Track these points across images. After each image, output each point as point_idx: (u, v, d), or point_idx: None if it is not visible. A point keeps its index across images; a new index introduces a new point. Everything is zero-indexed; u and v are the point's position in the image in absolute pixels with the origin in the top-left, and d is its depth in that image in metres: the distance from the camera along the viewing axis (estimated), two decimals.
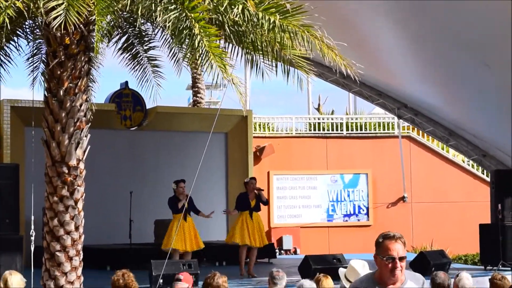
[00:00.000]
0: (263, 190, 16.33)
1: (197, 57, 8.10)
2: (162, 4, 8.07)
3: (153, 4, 8.19)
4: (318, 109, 34.28)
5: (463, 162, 24.52)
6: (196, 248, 15.16)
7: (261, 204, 15.81)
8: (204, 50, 7.97)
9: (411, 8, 13.79)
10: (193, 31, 7.95)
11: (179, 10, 8.03)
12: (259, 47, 9.01)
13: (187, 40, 8.10)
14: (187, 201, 15.12)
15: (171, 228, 15.20)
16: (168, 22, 8.08)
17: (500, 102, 16.56)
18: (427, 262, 15.18)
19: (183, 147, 21.36)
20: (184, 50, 8.36)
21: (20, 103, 19.02)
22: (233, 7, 8.37)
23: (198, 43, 7.98)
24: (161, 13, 8.15)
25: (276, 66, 9.15)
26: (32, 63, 10.20)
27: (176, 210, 15.04)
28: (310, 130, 24.94)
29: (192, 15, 7.99)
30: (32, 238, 8.85)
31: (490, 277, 9.93)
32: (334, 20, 10.99)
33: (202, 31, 7.99)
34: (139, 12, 8.20)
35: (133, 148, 21.17)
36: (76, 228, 8.45)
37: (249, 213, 15.49)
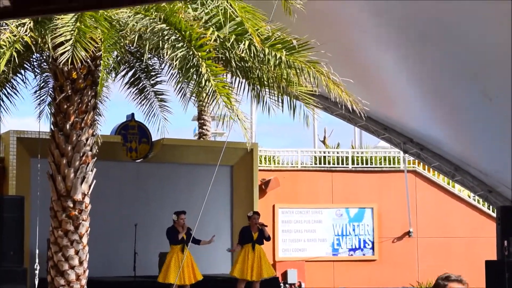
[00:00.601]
0: (266, 226, 16.31)
1: (204, 96, 8.13)
2: (170, 41, 8.11)
3: (160, 41, 8.22)
4: (323, 142, 34.25)
5: (469, 197, 24.44)
6: (194, 281, 15.10)
7: (264, 240, 15.86)
8: (211, 89, 8.00)
9: (415, 41, 13.83)
10: (200, 70, 7.99)
11: (186, 48, 8.08)
12: (265, 82, 9.05)
13: (194, 77, 8.14)
14: (186, 233, 15.11)
15: (169, 260, 15.16)
16: (176, 60, 8.12)
17: (504, 135, 16.54)
18: None
19: (189, 179, 21.35)
20: (192, 87, 8.40)
21: (26, 134, 19.05)
22: (239, 43, 8.40)
23: (205, 82, 8.01)
24: (169, 50, 8.20)
25: (282, 102, 9.17)
26: (39, 96, 10.24)
27: (175, 241, 15.03)
28: (315, 163, 24.91)
29: (199, 53, 8.03)
30: (37, 272, 8.82)
31: None
32: (339, 56, 11.02)
33: (209, 70, 8.03)
34: (147, 48, 8.24)
35: (139, 180, 21.16)
36: (81, 263, 8.44)
37: (252, 246, 15.46)
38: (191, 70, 8.14)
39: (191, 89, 8.34)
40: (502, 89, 14.35)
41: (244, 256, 15.46)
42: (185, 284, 14.91)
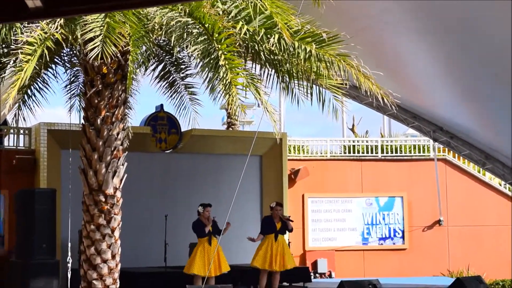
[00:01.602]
0: (292, 221, 16.32)
1: (221, 87, 8.17)
2: (192, 35, 8.14)
3: (184, 33, 8.26)
4: (352, 130, 34.16)
5: (500, 185, 24.30)
6: (219, 273, 15.08)
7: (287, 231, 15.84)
8: (227, 81, 8.04)
9: (444, 29, 13.74)
10: (219, 62, 8.03)
11: (208, 41, 8.12)
12: (294, 75, 9.05)
13: (212, 71, 8.19)
14: (212, 225, 15.13)
15: (195, 252, 15.20)
16: (197, 52, 8.18)
17: None
18: None
19: (218, 169, 21.40)
20: (210, 79, 8.43)
21: (57, 126, 19.17)
22: (269, 36, 8.40)
23: (223, 74, 8.05)
24: (191, 43, 8.25)
25: (312, 94, 9.16)
26: (69, 90, 10.30)
27: (202, 234, 15.06)
28: (344, 152, 24.84)
29: (220, 46, 8.06)
30: (69, 264, 8.89)
31: None
32: (369, 47, 10.98)
33: (227, 62, 8.06)
34: (173, 39, 8.27)
35: (168, 171, 21.24)
36: (113, 257, 8.49)
37: (275, 236, 15.43)
38: (211, 62, 8.17)
39: (213, 80, 8.34)
40: None
41: (267, 247, 15.42)
42: (210, 275, 14.92)
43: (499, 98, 15.95)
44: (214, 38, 8.14)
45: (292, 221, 16.23)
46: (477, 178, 24.32)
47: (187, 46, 8.76)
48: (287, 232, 16.03)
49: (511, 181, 20.52)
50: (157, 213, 19.25)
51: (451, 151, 22.88)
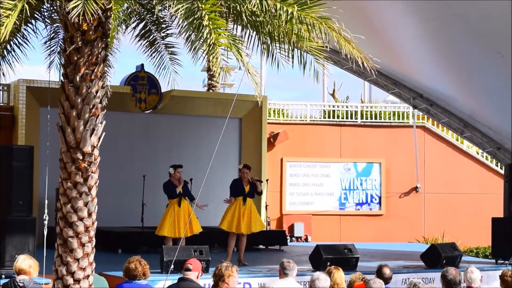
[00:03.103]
0: (261, 182, 16.26)
1: (205, 48, 8.09)
2: None
3: None
4: (333, 95, 34.22)
5: (477, 153, 24.46)
6: (190, 234, 14.99)
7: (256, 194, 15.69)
8: (211, 42, 7.96)
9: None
10: (203, 23, 7.96)
11: (191, 1, 8.04)
12: (276, 37, 8.99)
13: (196, 31, 8.12)
14: (183, 187, 15.07)
15: (165, 214, 15.12)
16: (180, 12, 8.10)
17: None
18: (438, 255, 15.15)
19: (197, 131, 21.39)
20: (193, 39, 8.35)
21: (36, 83, 19.07)
22: None
23: (207, 35, 7.98)
24: (173, 2, 8.18)
25: (293, 57, 9.11)
26: (49, 47, 10.20)
27: (173, 195, 15.01)
28: (324, 117, 24.90)
29: (203, 6, 7.99)
30: (45, 222, 8.87)
31: (500, 273, 9.97)
32: (351, 12, 10.94)
33: (211, 23, 7.99)
34: None
35: (147, 131, 21.21)
36: (89, 215, 8.45)
37: (243, 199, 15.37)
38: (195, 22, 8.09)
39: (196, 41, 8.26)
40: None
41: (234, 209, 15.31)
42: (180, 236, 14.81)
43: (484, 66, 16.00)
44: None
45: (261, 181, 16.17)
46: (455, 146, 24.47)
47: (169, 6, 8.67)
48: (257, 194, 15.82)
49: (489, 150, 20.62)
50: (136, 173, 19.25)
51: (430, 119, 22.98)
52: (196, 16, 8.15)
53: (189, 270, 9.03)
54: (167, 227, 14.85)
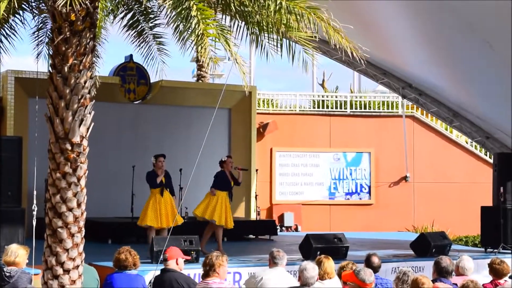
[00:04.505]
0: (246, 170, 16.11)
1: (193, 38, 8.08)
2: None
3: None
4: (322, 85, 34.22)
5: (467, 143, 24.52)
6: (172, 224, 14.84)
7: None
8: (200, 33, 7.96)
9: None
10: (191, 13, 7.95)
11: None
12: (264, 27, 8.98)
13: (184, 22, 8.11)
14: (165, 176, 14.99)
15: (147, 204, 15.01)
16: (168, 2, 8.09)
17: (502, 82, 16.55)
18: (427, 244, 15.21)
19: (187, 121, 21.37)
20: (182, 30, 8.34)
21: (24, 74, 19.01)
22: None
23: (195, 25, 7.97)
24: None
25: (281, 47, 9.12)
26: (37, 37, 10.18)
27: (155, 185, 14.94)
28: (314, 107, 24.91)
29: None
30: (34, 212, 8.86)
31: (489, 261, 10.01)
32: (340, 2, 10.94)
33: (199, 13, 7.98)
34: None
35: (137, 121, 21.19)
36: (79, 205, 8.45)
37: (229, 194, 15.32)
38: (183, 12, 8.08)
39: (185, 32, 8.25)
40: (502, 36, 14.31)
41: (222, 202, 15.17)
42: (162, 227, 14.75)
43: (473, 55, 16.02)
44: None
45: (246, 170, 16.09)
46: (444, 135, 24.53)
47: None
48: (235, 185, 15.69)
49: (478, 139, 20.69)
50: (125, 164, 19.23)
51: (419, 108, 23.02)
52: (184, 7, 8.14)
53: (166, 260, 9.08)
54: (149, 217, 14.75)
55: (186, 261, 9.59)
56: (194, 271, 12.09)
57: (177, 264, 9.05)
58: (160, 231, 14.79)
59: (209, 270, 8.34)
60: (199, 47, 8.14)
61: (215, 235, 15.52)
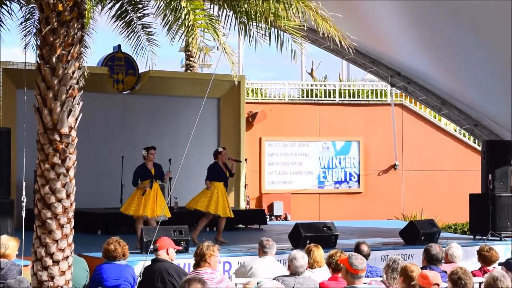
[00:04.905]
0: (240, 161, 16.16)
1: (184, 29, 8.07)
2: None
3: None
4: (311, 74, 34.23)
5: (455, 131, 24.58)
6: (159, 215, 14.73)
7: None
8: (190, 23, 7.94)
9: None
10: (181, 3, 7.93)
11: None
12: (253, 16, 8.97)
13: (174, 13, 8.09)
14: (156, 169, 14.88)
15: (134, 193, 14.85)
16: None
17: (491, 70, 16.58)
18: (416, 231, 15.25)
19: (176, 111, 21.34)
20: (172, 21, 8.32)
21: (12, 65, 18.94)
22: None
23: (185, 16, 7.95)
24: None
25: (270, 36, 9.11)
26: (25, 28, 10.14)
27: (135, 182, 14.79)
28: (302, 96, 24.93)
29: None
30: (23, 204, 8.83)
31: (478, 248, 10.07)
32: None
33: (189, 3, 7.96)
34: None
35: (126, 112, 21.15)
36: (68, 196, 8.41)
37: (224, 184, 15.34)
38: (172, 3, 8.06)
39: (175, 23, 8.23)
40: (491, 23, 14.33)
41: (217, 192, 15.20)
42: (146, 215, 14.57)
43: (461, 42, 16.04)
44: None
45: (240, 161, 16.13)
46: (433, 123, 24.58)
47: None
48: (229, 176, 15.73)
49: (466, 127, 20.74)
50: (114, 154, 19.21)
51: (408, 97, 23.06)
52: None
53: (156, 250, 9.09)
54: (133, 207, 14.59)
55: (177, 251, 9.58)
56: (184, 261, 12.09)
57: (167, 254, 9.06)
58: (148, 222, 14.66)
59: (200, 260, 8.36)
60: (190, 38, 8.13)
61: (216, 224, 15.66)
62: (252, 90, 24.31)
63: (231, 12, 9.22)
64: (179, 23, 8.16)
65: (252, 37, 9.26)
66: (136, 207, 14.55)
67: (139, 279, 9.39)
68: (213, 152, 15.79)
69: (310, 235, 14.15)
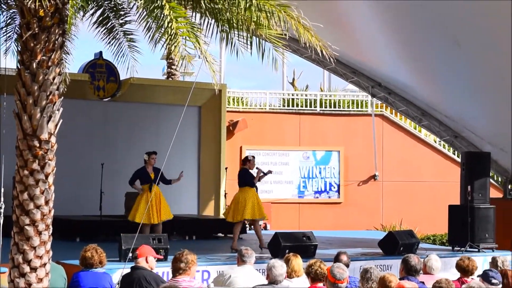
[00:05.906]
0: (269, 173, 16.41)
1: (166, 38, 8.06)
2: None
3: None
4: (292, 84, 34.25)
5: (435, 142, 24.68)
6: (164, 219, 15.07)
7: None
8: (173, 32, 7.94)
9: None
10: (164, 12, 7.92)
11: None
12: (234, 24, 8.97)
13: (156, 21, 8.08)
14: (155, 173, 15.03)
15: (139, 200, 15.13)
16: (140, 0, 8.05)
17: (470, 82, 16.67)
18: (395, 242, 15.26)
19: (156, 119, 21.31)
20: (154, 29, 8.31)
21: None
22: None
23: (168, 24, 7.95)
24: None
25: (251, 45, 9.11)
26: (5, 33, 10.09)
27: (131, 182, 15.10)
28: (283, 105, 24.96)
29: None
30: (1, 210, 8.76)
31: (457, 259, 10.10)
32: (309, 0, 10.97)
33: (172, 12, 7.95)
34: None
35: (106, 119, 21.09)
36: (46, 202, 8.37)
37: (256, 189, 15.67)
38: (155, 11, 8.05)
39: (157, 31, 8.23)
40: (470, 35, 14.41)
41: (253, 197, 15.54)
42: (153, 223, 14.86)
43: (441, 54, 16.11)
44: None
45: (271, 172, 16.48)
46: (413, 134, 24.68)
47: None
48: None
49: (446, 138, 20.82)
50: (94, 161, 19.11)
51: (389, 107, 23.14)
52: (156, 5, 8.11)
53: (136, 257, 9.06)
54: (140, 214, 14.79)
55: (157, 260, 9.55)
56: (163, 269, 12.04)
57: (147, 262, 9.02)
58: (154, 226, 14.94)
59: (178, 268, 8.32)
60: (172, 46, 8.12)
61: (254, 230, 16.13)
62: (233, 99, 24.32)
63: (213, 20, 9.22)
64: (162, 31, 8.15)
65: (234, 45, 9.26)
66: (145, 216, 14.71)
67: (117, 286, 9.34)
68: (242, 159, 16.19)
69: (289, 245, 14.13)
